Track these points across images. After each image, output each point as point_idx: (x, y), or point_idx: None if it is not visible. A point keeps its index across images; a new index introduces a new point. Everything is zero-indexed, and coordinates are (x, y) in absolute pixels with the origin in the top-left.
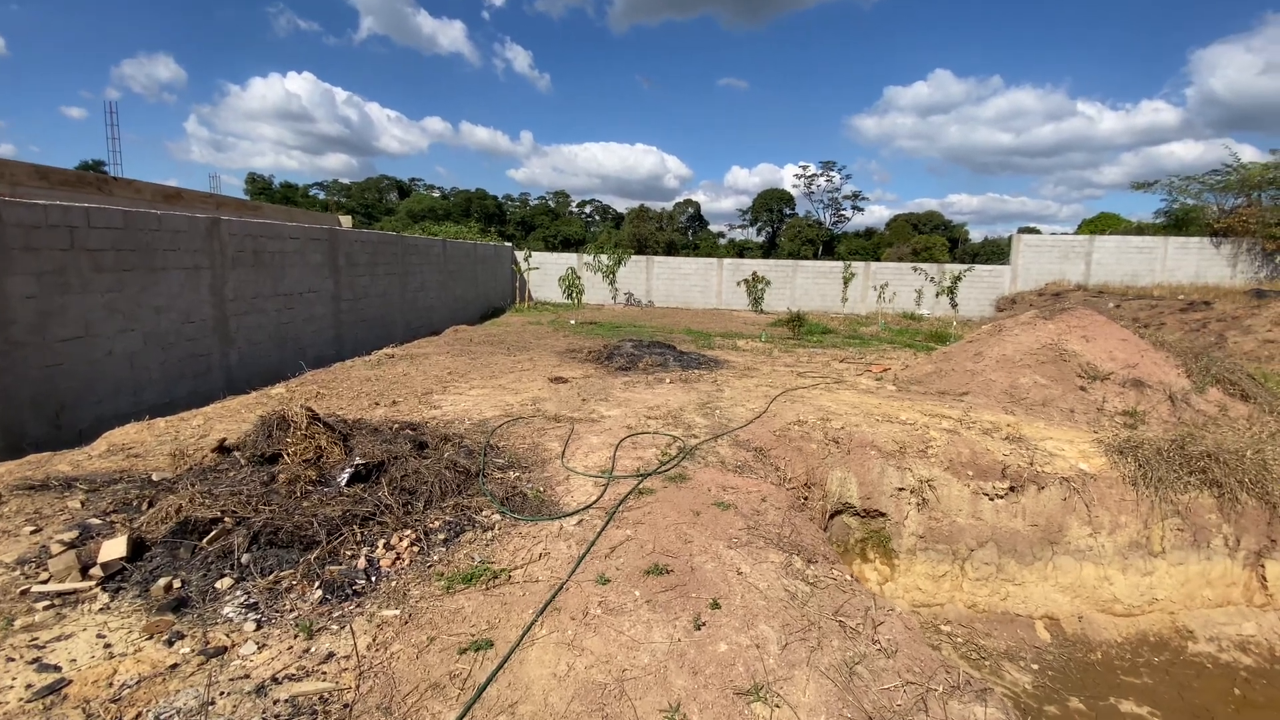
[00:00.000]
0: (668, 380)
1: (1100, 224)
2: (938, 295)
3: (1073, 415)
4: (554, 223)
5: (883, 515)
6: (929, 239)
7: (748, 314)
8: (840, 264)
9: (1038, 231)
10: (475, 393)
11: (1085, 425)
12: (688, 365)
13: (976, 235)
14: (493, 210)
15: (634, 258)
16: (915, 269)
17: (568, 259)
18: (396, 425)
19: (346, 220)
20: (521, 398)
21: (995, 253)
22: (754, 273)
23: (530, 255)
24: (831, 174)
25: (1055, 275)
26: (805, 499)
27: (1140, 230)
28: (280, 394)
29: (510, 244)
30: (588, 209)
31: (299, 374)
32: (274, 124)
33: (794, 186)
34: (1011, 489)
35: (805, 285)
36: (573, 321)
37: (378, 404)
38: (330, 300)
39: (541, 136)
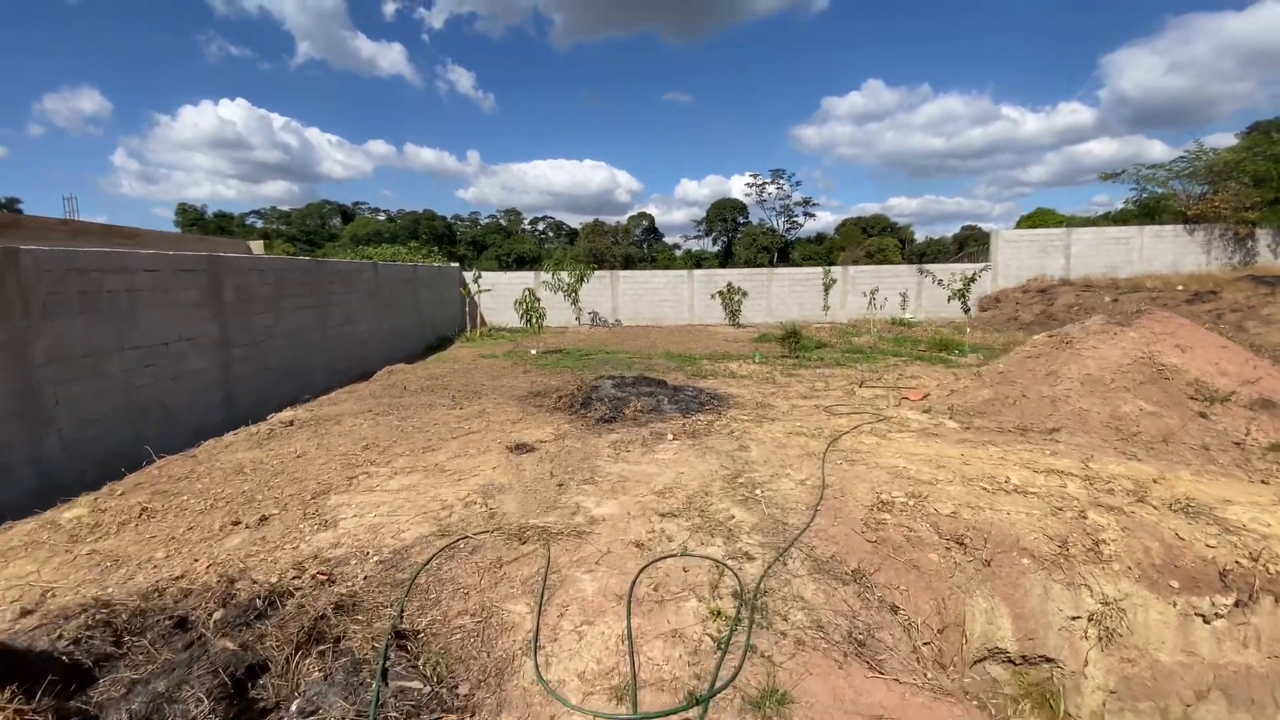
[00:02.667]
0: (669, 435)
1: (1037, 220)
2: (877, 295)
3: (1208, 453)
4: (506, 241)
5: (1049, 661)
6: (881, 241)
7: (725, 329)
8: (819, 270)
9: (978, 229)
10: (397, 485)
11: (1245, 472)
12: (688, 407)
13: (919, 236)
14: (442, 231)
15: (597, 273)
16: (921, 270)
17: (524, 278)
18: (207, 624)
19: (258, 246)
20: (467, 489)
21: (940, 252)
22: (729, 284)
23: (480, 276)
24: (782, 182)
25: (1036, 271)
26: (939, 651)
27: (1118, 220)
28: (80, 517)
29: (458, 264)
30: (540, 226)
31: (146, 465)
32: (208, 153)
33: (746, 195)
34: (1236, 603)
35: (782, 294)
36: (534, 351)
37: (239, 522)
38: (214, 349)
39: (489, 156)
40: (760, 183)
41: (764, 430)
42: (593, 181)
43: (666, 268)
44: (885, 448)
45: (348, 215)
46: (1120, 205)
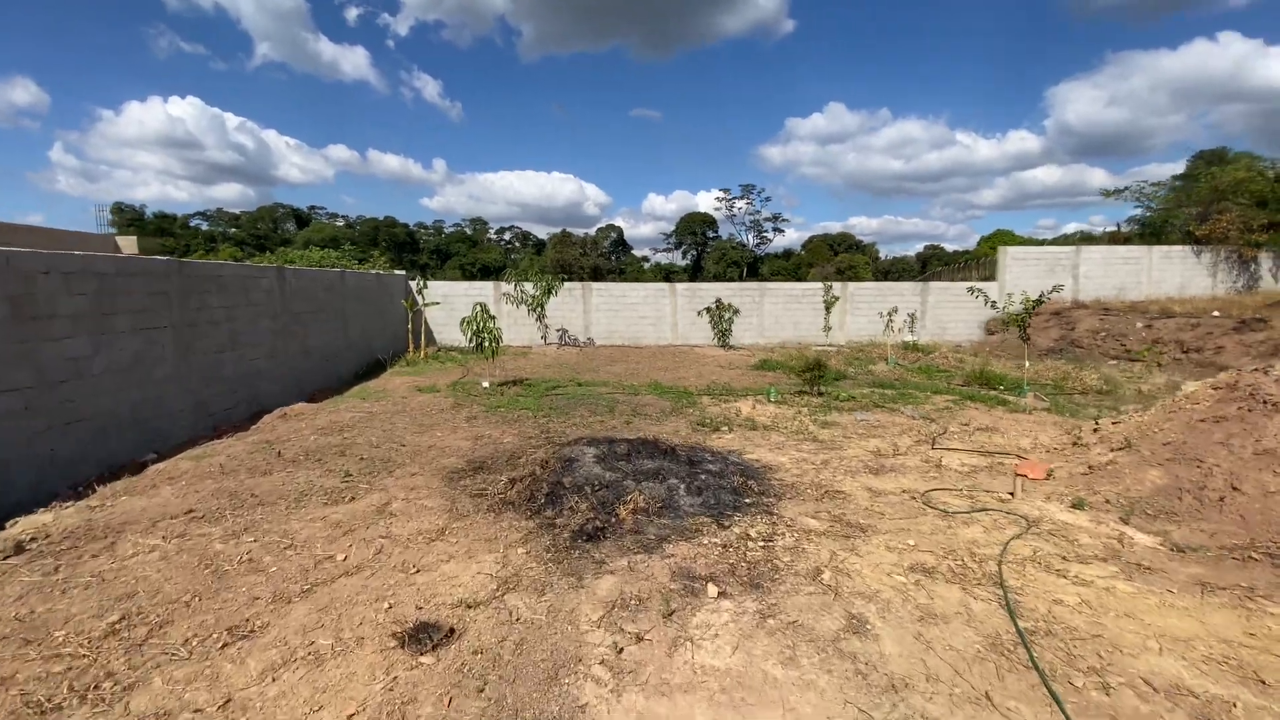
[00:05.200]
0: (710, 588)
1: (998, 240)
2: (895, 316)
3: None
4: (472, 250)
5: None
6: (851, 258)
7: (714, 351)
8: (817, 286)
9: (940, 248)
10: None
11: None
12: (717, 500)
13: (882, 254)
14: (403, 238)
15: (567, 285)
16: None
17: (480, 289)
18: None
19: (129, 243)
20: None
21: (904, 270)
22: (718, 300)
23: (425, 285)
24: (752, 197)
25: (1043, 290)
26: None
27: (1126, 240)
28: None
29: (404, 272)
30: (507, 236)
31: None
32: (156, 152)
33: (716, 210)
34: None
35: (775, 312)
36: (486, 383)
37: None
38: None
39: (456, 164)
40: (730, 198)
41: (864, 563)
42: (561, 193)
43: (637, 279)
44: (1106, 616)
45: (302, 219)
46: (1072, 229)
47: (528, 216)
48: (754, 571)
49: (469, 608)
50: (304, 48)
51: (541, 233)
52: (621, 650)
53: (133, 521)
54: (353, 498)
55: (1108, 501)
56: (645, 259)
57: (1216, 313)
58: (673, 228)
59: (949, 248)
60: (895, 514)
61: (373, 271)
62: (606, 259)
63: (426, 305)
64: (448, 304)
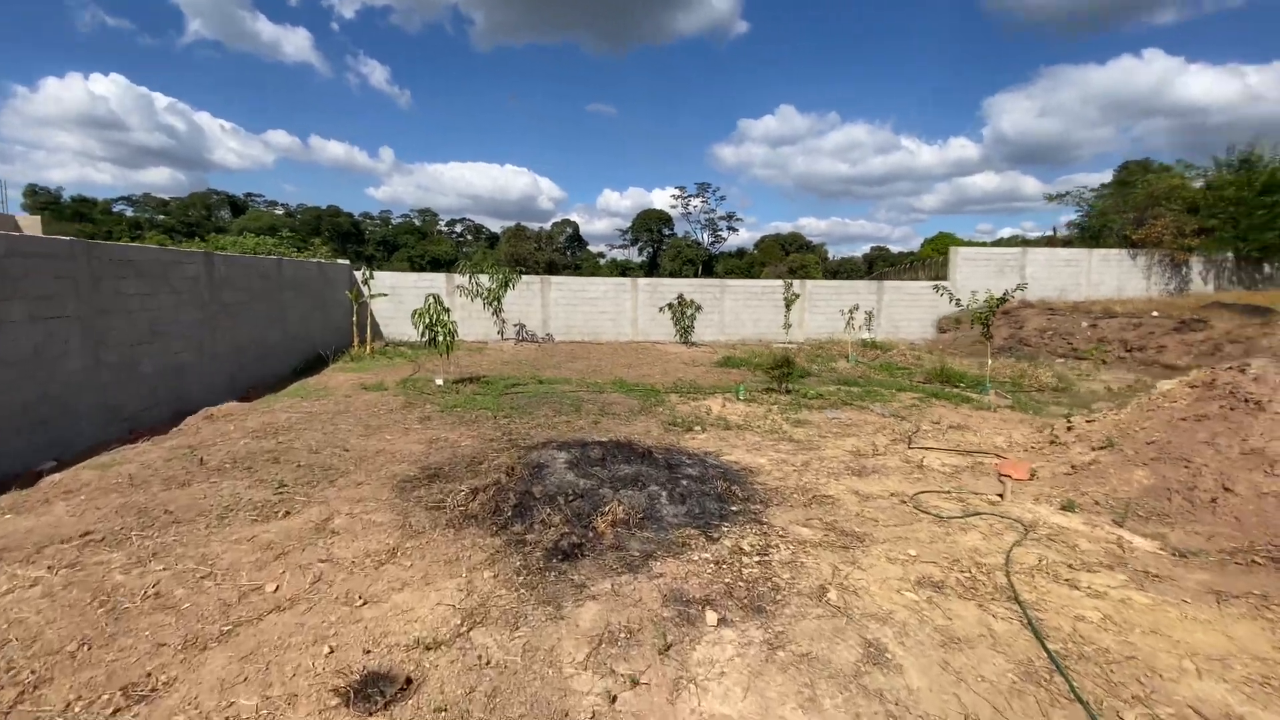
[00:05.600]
0: (708, 613)
1: (940, 242)
2: (856, 314)
3: None
4: (421, 243)
5: None
6: (802, 257)
7: (677, 348)
8: (777, 284)
9: (887, 250)
10: None
11: None
12: (702, 508)
13: (831, 255)
14: (348, 229)
15: (525, 278)
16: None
17: (432, 281)
18: None
19: (32, 224)
20: None
21: (852, 270)
22: (681, 296)
23: (372, 276)
24: (707, 196)
25: (994, 290)
26: None
27: (1067, 243)
28: None
29: (348, 262)
30: (458, 228)
31: None
32: (75, 132)
33: (672, 207)
34: None
35: (736, 309)
36: (439, 381)
37: None
38: None
39: (404, 154)
40: (686, 196)
41: (869, 577)
42: (514, 187)
43: (594, 274)
44: (1133, 634)
45: (239, 207)
46: (1007, 233)
47: (480, 209)
48: (753, 592)
49: (428, 649)
50: (241, 26)
51: (494, 226)
52: (615, 699)
53: (12, 548)
54: (287, 513)
55: (1097, 503)
56: (601, 255)
57: (1156, 313)
58: (628, 224)
59: (894, 249)
60: (889, 520)
61: (314, 260)
62: (562, 254)
63: (373, 297)
64: (396, 296)
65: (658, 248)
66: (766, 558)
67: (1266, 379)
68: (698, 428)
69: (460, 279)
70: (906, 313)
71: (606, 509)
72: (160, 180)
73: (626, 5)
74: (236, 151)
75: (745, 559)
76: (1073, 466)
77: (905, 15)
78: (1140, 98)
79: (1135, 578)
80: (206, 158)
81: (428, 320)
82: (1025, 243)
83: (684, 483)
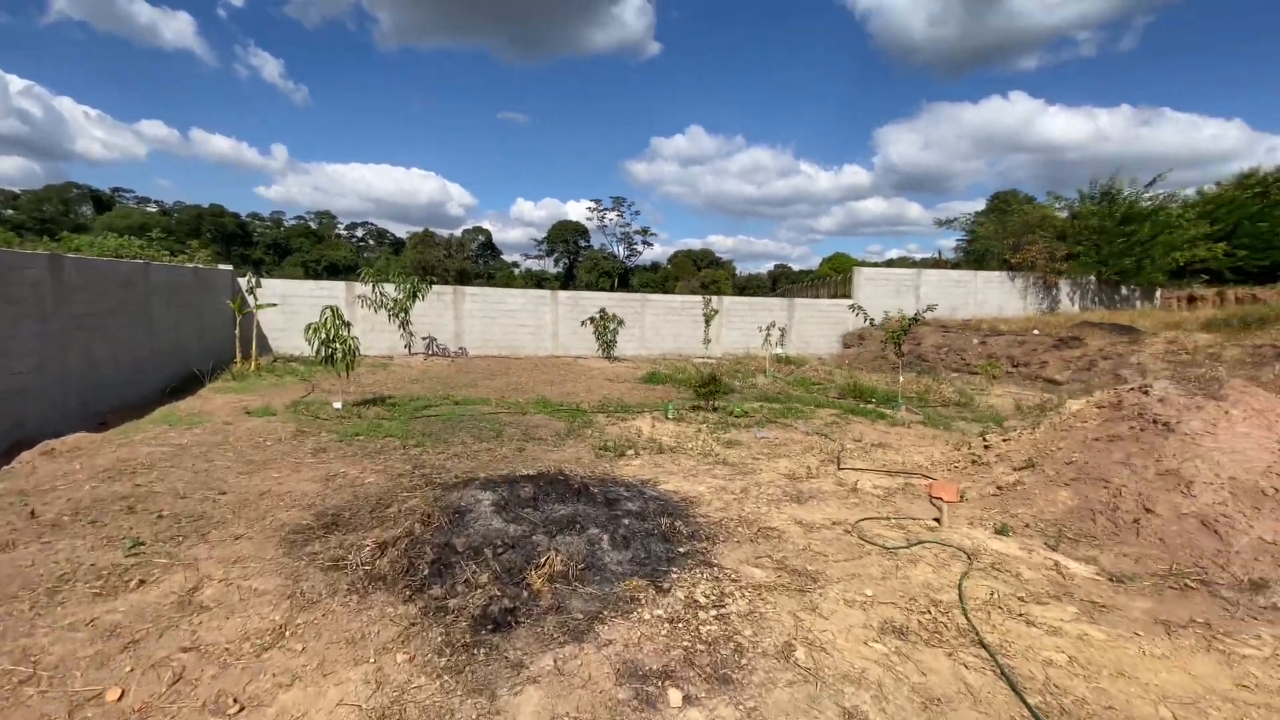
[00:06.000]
0: (665, 688)
1: (837, 262)
2: (773, 330)
3: None
4: (317, 247)
5: None
6: (714, 273)
7: (599, 363)
8: (697, 299)
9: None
10: None
11: None
12: (647, 550)
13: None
14: (233, 230)
15: (436, 289)
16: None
17: (330, 290)
18: None
19: None
20: None
21: (758, 287)
22: (603, 310)
23: (258, 283)
24: (623, 210)
25: (891, 308)
26: None
27: (955, 265)
28: None
29: (230, 267)
30: (359, 232)
31: None
32: None
33: (588, 220)
34: None
35: (656, 324)
36: (338, 404)
37: None
38: None
39: (300, 152)
40: (602, 209)
41: (832, 627)
42: (422, 191)
43: (507, 285)
44: (1101, 677)
45: (103, 203)
46: (896, 253)
47: (383, 214)
48: (716, 657)
49: None
50: (112, 7)
51: (400, 231)
52: None
53: None
54: (142, 582)
55: (1028, 526)
56: (515, 265)
57: (1037, 331)
58: (543, 234)
59: (795, 267)
60: (837, 554)
61: (189, 265)
62: (474, 263)
63: (260, 307)
64: (288, 306)
65: (574, 259)
66: (723, 609)
67: (1171, 400)
68: (630, 452)
69: (362, 288)
70: (815, 329)
71: (542, 561)
72: (9, 170)
73: (539, 17)
74: (103, 141)
75: (702, 613)
76: (999, 487)
77: (805, 47)
78: (1007, 135)
79: (1084, 609)
80: (67, 147)
81: (324, 335)
82: (919, 264)
83: (625, 522)
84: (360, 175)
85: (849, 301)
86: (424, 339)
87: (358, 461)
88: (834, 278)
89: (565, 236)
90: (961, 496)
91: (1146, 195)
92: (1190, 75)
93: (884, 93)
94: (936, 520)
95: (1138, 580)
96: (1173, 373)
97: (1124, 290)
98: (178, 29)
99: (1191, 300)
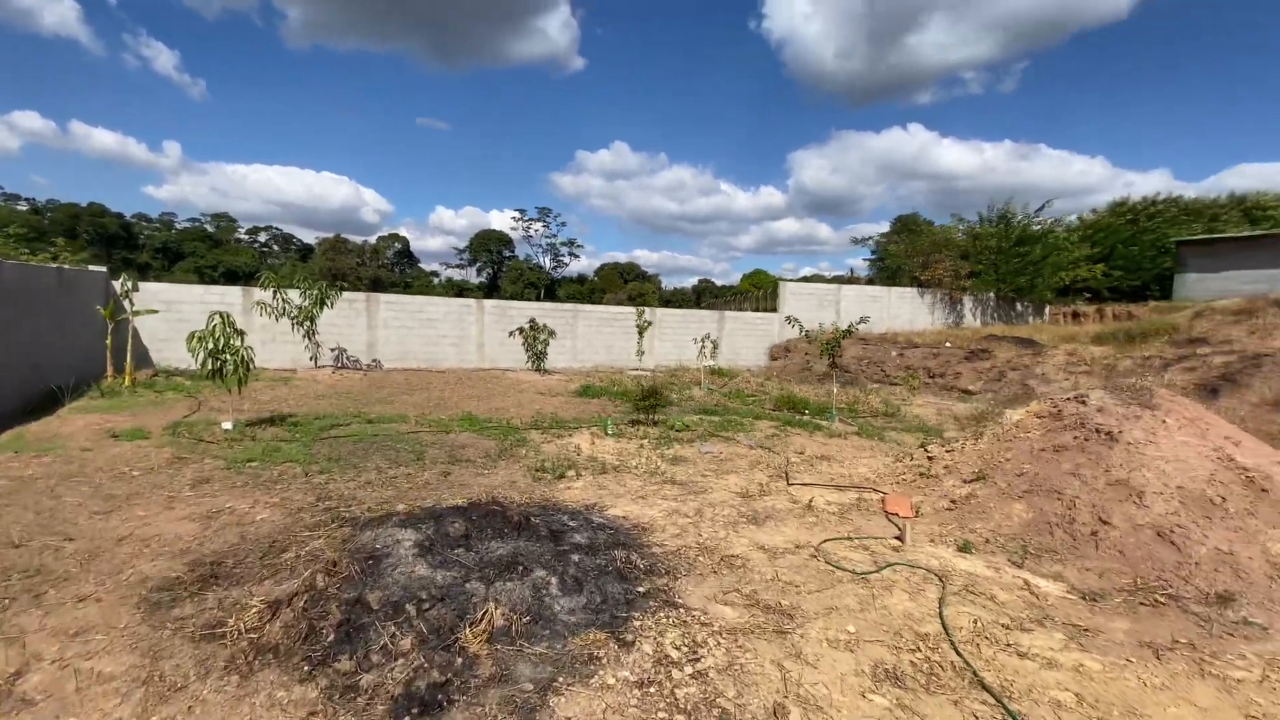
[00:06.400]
0: None
1: (757, 278)
2: (707, 343)
3: None
4: (214, 251)
5: None
6: (641, 286)
7: (529, 376)
8: (630, 310)
9: (712, 283)
10: None
11: None
12: (602, 591)
13: (665, 285)
14: (115, 232)
15: (348, 295)
16: (789, 320)
17: (225, 295)
18: None
19: None
20: None
21: (683, 300)
22: (533, 320)
23: (136, 287)
24: (549, 221)
25: (814, 322)
26: None
27: (870, 281)
28: None
29: (104, 269)
30: (262, 237)
31: None
32: None
33: (512, 230)
34: None
35: (589, 335)
36: (227, 425)
37: None
38: None
39: (195, 151)
40: (527, 219)
41: (823, 678)
42: (334, 196)
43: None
44: (1113, 717)
45: None
46: (808, 271)
47: (291, 218)
48: None
49: None
50: None
51: (308, 237)
52: None
53: None
54: None
55: (988, 541)
56: (435, 274)
57: (949, 344)
58: (465, 244)
59: (718, 282)
60: (808, 583)
61: (51, 266)
62: (390, 271)
63: (138, 314)
64: (174, 313)
65: (498, 269)
66: (699, 664)
67: (1109, 410)
68: (571, 473)
69: (262, 294)
70: (744, 341)
71: (479, 615)
72: None
73: (460, 24)
74: None
75: (675, 671)
76: (952, 501)
77: (724, 71)
78: (906, 163)
79: (1069, 634)
80: None
81: (211, 345)
82: (839, 280)
83: (574, 559)
84: (265, 177)
85: (777, 315)
86: (333, 350)
87: (248, 493)
88: (755, 293)
89: (489, 246)
90: (916, 511)
91: (1037, 220)
92: (1062, 116)
93: (797, 119)
94: (898, 539)
95: (1109, 598)
96: (1073, 383)
97: (1019, 306)
98: (60, 13)
99: (1076, 316)
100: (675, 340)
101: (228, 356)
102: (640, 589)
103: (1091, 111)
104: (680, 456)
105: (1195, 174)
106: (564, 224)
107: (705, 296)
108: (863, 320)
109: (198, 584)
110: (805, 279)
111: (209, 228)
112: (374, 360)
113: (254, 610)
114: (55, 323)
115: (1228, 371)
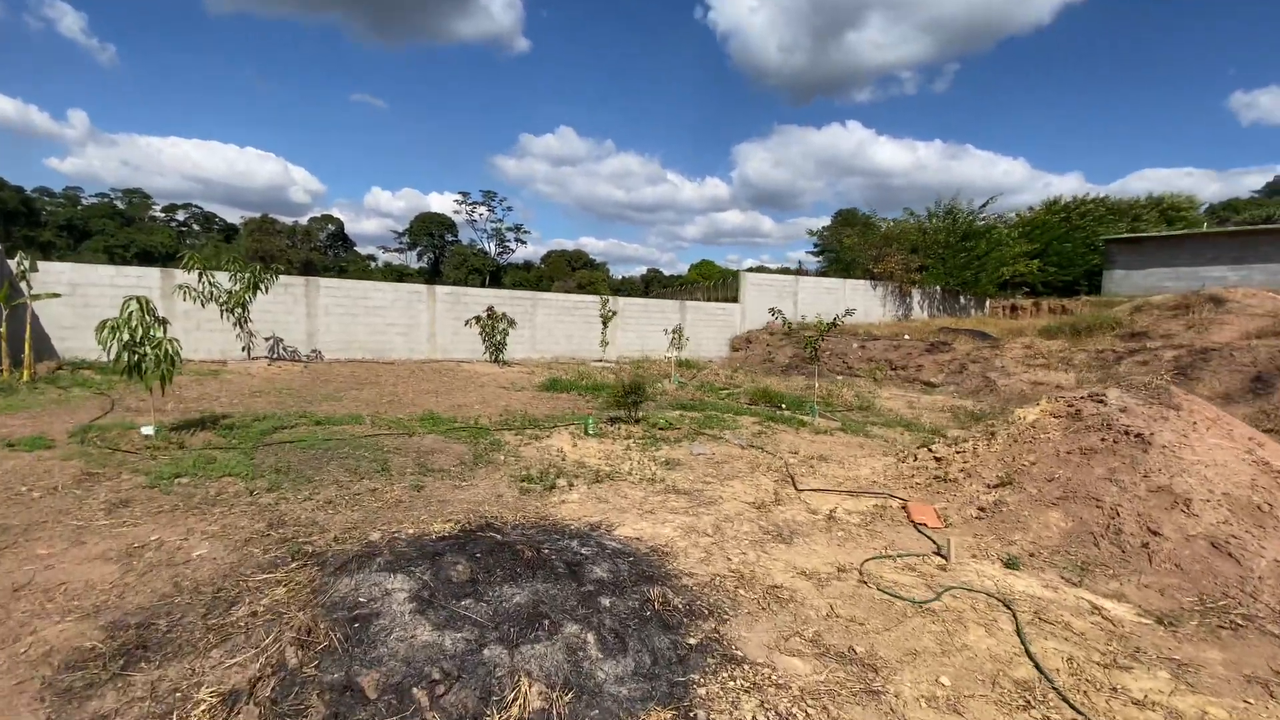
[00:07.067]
0: None
1: (704, 268)
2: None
3: None
4: (125, 230)
5: None
6: (591, 274)
7: (488, 368)
8: (593, 299)
9: (660, 273)
10: None
11: None
12: (654, 662)
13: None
14: (14, 208)
15: (284, 279)
16: (773, 312)
17: (143, 277)
18: None
19: None
20: None
21: (632, 289)
22: (491, 308)
23: (34, 267)
24: (494, 205)
25: (771, 312)
26: None
27: (824, 274)
28: None
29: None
30: (180, 215)
31: None
32: None
33: (455, 213)
34: None
35: (549, 325)
36: (149, 429)
37: None
38: None
39: (105, 121)
40: (471, 202)
41: None
42: (259, 174)
43: (365, 278)
44: None
45: None
46: (750, 262)
47: (212, 196)
48: None
49: None
50: None
51: (232, 217)
52: None
53: None
54: None
55: (1033, 555)
56: (372, 258)
57: (907, 336)
58: (404, 227)
59: (665, 272)
60: (870, 619)
61: None
62: (323, 254)
63: (37, 297)
64: (80, 297)
65: (439, 254)
66: None
67: (1134, 410)
68: (562, 482)
69: (186, 276)
70: (705, 331)
71: (509, 696)
72: None
73: None
74: None
75: None
76: (980, 509)
77: (671, 60)
78: (844, 158)
79: (1173, 672)
80: None
81: (127, 336)
82: (797, 273)
83: (604, 602)
84: (183, 151)
85: (738, 306)
86: (268, 340)
87: (179, 520)
88: (705, 284)
89: (430, 229)
90: (945, 521)
91: (981, 216)
92: (988, 117)
93: (741, 111)
94: (939, 555)
95: (1183, 620)
96: (1033, 375)
97: (961, 299)
98: None
99: (1014, 309)
100: (638, 330)
101: (148, 349)
102: (690, 640)
103: (1015, 114)
104: (673, 459)
105: (1105, 177)
106: (510, 208)
107: (654, 286)
108: (848, 313)
109: (120, 659)
110: (757, 269)
111: (119, 204)
112: (314, 351)
113: (203, 707)
114: None
115: (1179, 365)
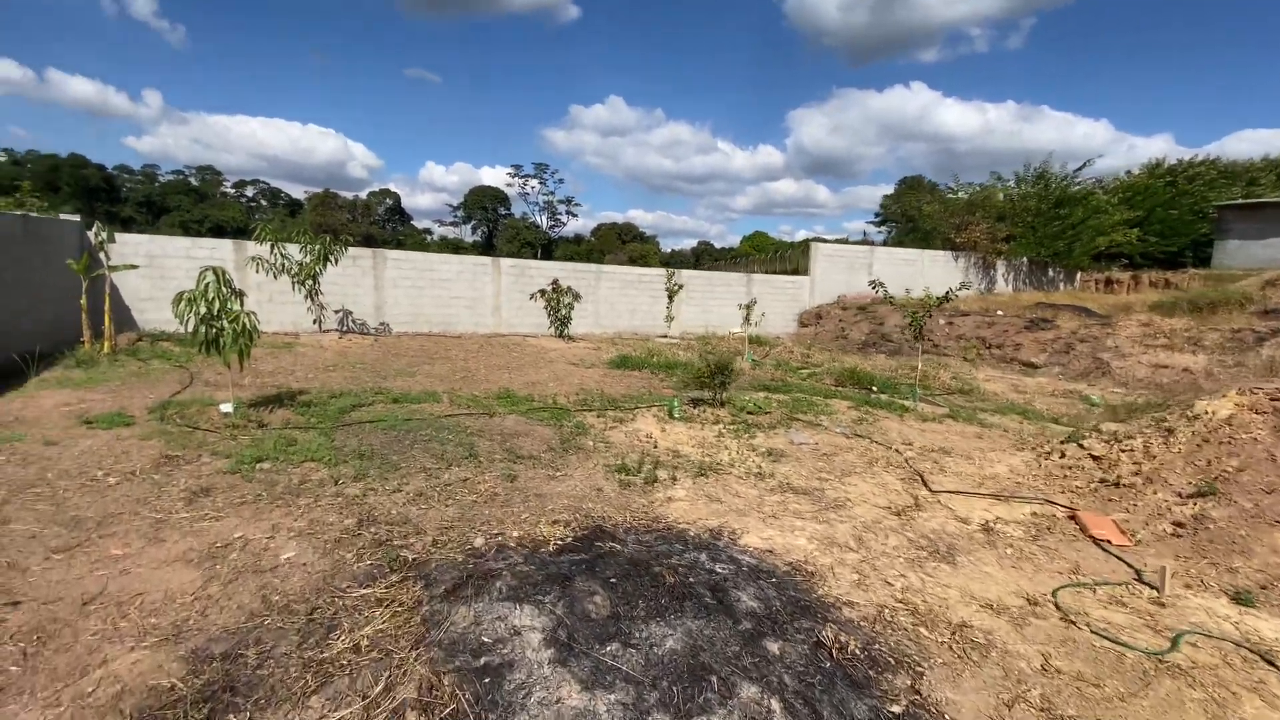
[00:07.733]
0: None
1: (757, 240)
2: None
3: None
4: (199, 206)
5: None
6: (642, 247)
7: (553, 343)
8: (658, 272)
9: (711, 246)
10: None
11: None
12: None
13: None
14: (97, 184)
15: (353, 252)
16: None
17: (216, 249)
18: None
19: None
20: None
21: (682, 263)
22: (555, 282)
23: (112, 239)
24: (545, 178)
25: (844, 286)
26: None
27: (899, 243)
28: None
29: (77, 217)
30: (250, 191)
31: None
32: None
33: (508, 186)
34: None
35: (611, 298)
36: (227, 406)
37: None
38: None
39: (178, 100)
40: (522, 175)
41: None
42: (320, 150)
43: (422, 250)
44: None
45: None
46: (804, 234)
47: (277, 172)
48: None
49: None
50: None
51: (296, 192)
52: None
53: None
54: None
55: (1265, 589)
56: (428, 231)
57: (1000, 312)
58: (457, 200)
59: (716, 244)
60: (1109, 681)
61: (17, 213)
62: (381, 228)
63: (116, 269)
64: (157, 269)
65: (493, 227)
66: None
67: None
68: (662, 475)
69: (258, 248)
70: (772, 306)
71: None
72: None
73: None
74: None
75: None
76: (1176, 524)
77: (723, 22)
78: (907, 123)
79: None
80: None
81: (204, 309)
82: (871, 244)
83: (772, 649)
84: (249, 129)
85: (807, 278)
86: (338, 313)
87: (264, 513)
88: (759, 256)
89: (484, 203)
90: (1134, 538)
91: (1076, 180)
92: (1067, 77)
93: (797, 75)
94: (1145, 584)
95: None
96: (1153, 357)
97: (1050, 272)
98: None
99: (1110, 283)
100: (701, 304)
101: (225, 323)
102: (893, 708)
103: (1097, 72)
104: (775, 449)
105: (1199, 139)
106: (561, 180)
107: (704, 259)
108: (963, 286)
109: (204, 705)
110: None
111: (193, 181)
112: (382, 324)
113: None
114: (20, 279)
115: None
